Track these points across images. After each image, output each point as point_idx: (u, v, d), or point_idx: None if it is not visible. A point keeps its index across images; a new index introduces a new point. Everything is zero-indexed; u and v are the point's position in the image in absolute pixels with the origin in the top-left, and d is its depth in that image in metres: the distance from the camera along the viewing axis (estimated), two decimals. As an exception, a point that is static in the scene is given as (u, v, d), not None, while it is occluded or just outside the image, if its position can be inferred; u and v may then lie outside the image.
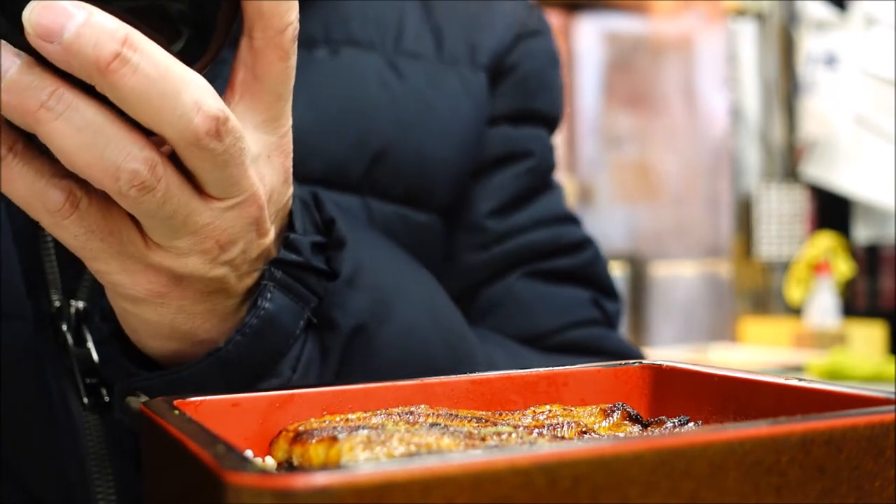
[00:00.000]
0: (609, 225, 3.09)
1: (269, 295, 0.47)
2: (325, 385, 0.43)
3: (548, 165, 0.73)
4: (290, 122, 0.44)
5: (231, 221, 0.42)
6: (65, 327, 0.55)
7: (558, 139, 0.77)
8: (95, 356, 0.55)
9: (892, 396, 0.36)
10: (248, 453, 0.38)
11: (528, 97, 0.71)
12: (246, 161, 0.41)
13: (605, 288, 0.72)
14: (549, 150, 0.73)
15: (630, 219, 3.20)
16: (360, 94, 0.63)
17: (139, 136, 0.38)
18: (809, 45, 3.06)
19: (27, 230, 0.57)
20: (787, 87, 3.28)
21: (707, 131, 3.27)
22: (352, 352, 0.51)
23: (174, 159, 0.40)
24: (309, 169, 0.60)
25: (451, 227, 0.68)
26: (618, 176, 3.21)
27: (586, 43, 3.14)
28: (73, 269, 0.56)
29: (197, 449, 0.30)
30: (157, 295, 0.43)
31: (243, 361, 0.46)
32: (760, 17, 3.30)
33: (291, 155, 0.45)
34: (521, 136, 0.71)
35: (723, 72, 3.27)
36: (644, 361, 0.47)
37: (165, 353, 0.47)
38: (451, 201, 0.67)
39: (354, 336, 0.51)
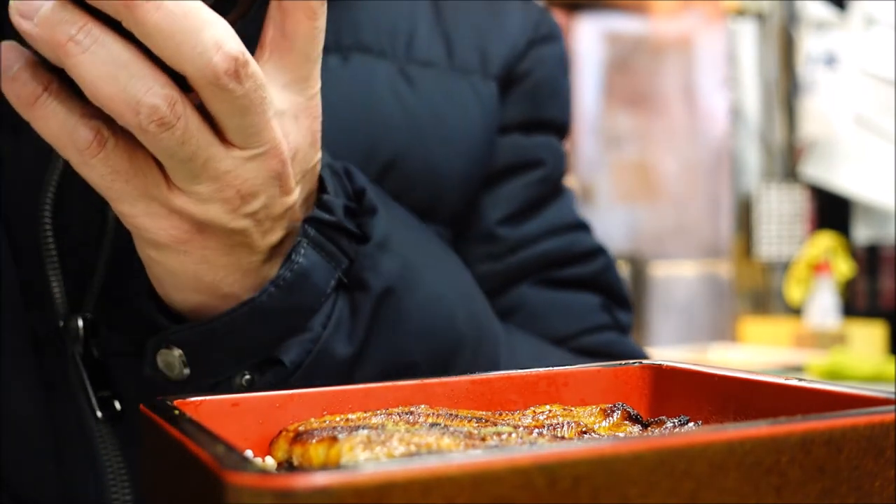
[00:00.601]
0: (609, 225, 3.09)
1: (302, 251, 0.48)
2: (327, 385, 0.43)
3: (559, 173, 0.73)
4: (318, 84, 0.45)
5: (252, 172, 0.43)
6: (72, 341, 0.55)
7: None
8: (96, 352, 0.55)
9: (892, 396, 0.36)
10: (248, 453, 0.38)
11: (539, 105, 0.71)
12: (268, 111, 0.42)
13: (616, 296, 0.72)
14: (559, 158, 0.73)
15: (630, 219, 3.20)
16: (371, 103, 0.63)
17: (161, 75, 0.40)
18: (809, 45, 3.06)
19: (28, 247, 0.56)
20: (787, 87, 3.28)
21: (707, 131, 3.27)
22: (380, 314, 0.52)
23: (200, 109, 0.41)
24: None
25: (459, 237, 0.68)
26: (618, 176, 3.21)
27: (586, 43, 3.14)
28: (79, 283, 0.56)
29: (197, 449, 0.30)
30: (179, 241, 0.45)
31: (275, 313, 0.48)
32: (760, 17, 3.30)
33: (320, 118, 0.46)
34: (532, 144, 0.71)
35: (723, 72, 3.27)
36: (644, 361, 0.47)
37: (191, 307, 0.49)
38: (460, 212, 0.67)
39: (384, 298, 0.52)
